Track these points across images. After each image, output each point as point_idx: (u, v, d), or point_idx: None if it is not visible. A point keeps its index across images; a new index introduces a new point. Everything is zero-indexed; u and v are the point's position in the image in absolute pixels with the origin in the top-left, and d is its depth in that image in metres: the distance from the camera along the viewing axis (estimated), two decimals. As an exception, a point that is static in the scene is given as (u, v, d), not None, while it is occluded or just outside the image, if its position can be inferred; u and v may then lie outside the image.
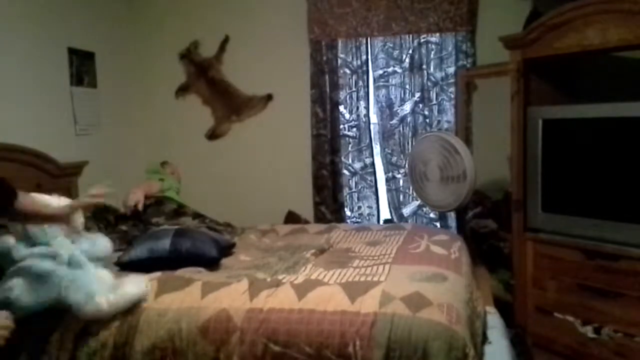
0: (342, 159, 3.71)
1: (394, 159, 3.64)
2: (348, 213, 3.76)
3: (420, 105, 3.53)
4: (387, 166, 3.66)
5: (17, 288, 1.75)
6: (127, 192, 2.97)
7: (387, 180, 3.68)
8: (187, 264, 2.22)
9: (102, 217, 2.85)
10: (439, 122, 3.52)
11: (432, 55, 3.50)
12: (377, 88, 3.61)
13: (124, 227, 2.84)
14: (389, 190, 3.68)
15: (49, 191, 2.85)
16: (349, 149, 3.71)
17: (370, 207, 3.76)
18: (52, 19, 3.12)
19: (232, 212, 3.49)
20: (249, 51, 3.80)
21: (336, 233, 2.84)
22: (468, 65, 3.36)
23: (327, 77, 3.62)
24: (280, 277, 2.03)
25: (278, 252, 2.49)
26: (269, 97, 3.83)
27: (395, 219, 3.65)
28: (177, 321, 1.79)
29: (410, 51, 3.52)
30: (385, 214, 3.74)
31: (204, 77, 3.91)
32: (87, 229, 2.31)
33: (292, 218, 3.69)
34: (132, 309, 1.84)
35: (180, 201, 3.19)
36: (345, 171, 3.73)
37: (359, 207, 3.78)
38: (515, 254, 2.64)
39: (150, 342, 1.77)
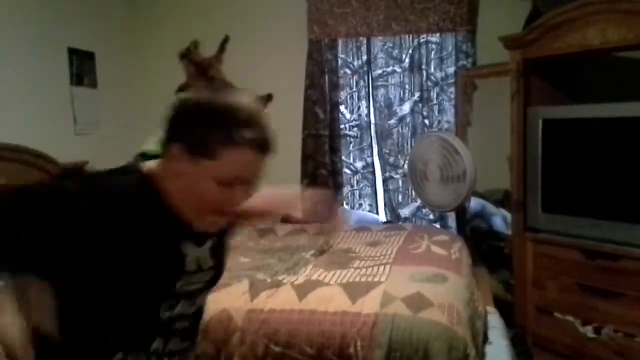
0: (343, 157, 3.71)
1: (392, 159, 3.64)
2: (348, 212, 3.77)
3: (420, 105, 3.53)
4: (385, 166, 3.66)
5: None
6: None
7: (384, 180, 3.68)
8: None
9: None
10: (439, 122, 3.51)
11: (432, 55, 3.50)
12: (375, 88, 3.61)
13: None
14: (385, 191, 3.68)
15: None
16: (351, 148, 3.72)
17: (370, 205, 3.76)
18: (52, 19, 3.12)
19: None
20: (249, 51, 3.79)
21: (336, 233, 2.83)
22: (468, 65, 3.36)
23: (327, 77, 3.62)
24: (280, 277, 2.03)
25: (277, 254, 2.49)
26: (269, 97, 3.83)
27: (392, 221, 3.64)
28: (177, 322, 1.79)
29: (410, 51, 3.52)
30: (382, 215, 3.74)
31: (204, 77, 3.90)
32: None
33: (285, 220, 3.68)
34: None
35: None
36: (346, 170, 3.73)
37: (360, 205, 3.78)
38: (515, 254, 2.64)
39: (151, 343, 1.77)
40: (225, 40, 3.85)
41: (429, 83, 3.50)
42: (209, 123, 0.94)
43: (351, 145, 3.72)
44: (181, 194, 0.98)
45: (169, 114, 0.98)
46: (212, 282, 1.16)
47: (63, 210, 0.91)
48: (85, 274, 0.92)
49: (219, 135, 0.93)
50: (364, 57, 3.60)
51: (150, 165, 1.03)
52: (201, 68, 3.90)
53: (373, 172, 3.71)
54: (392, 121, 3.60)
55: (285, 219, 1.59)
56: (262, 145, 0.98)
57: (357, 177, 3.74)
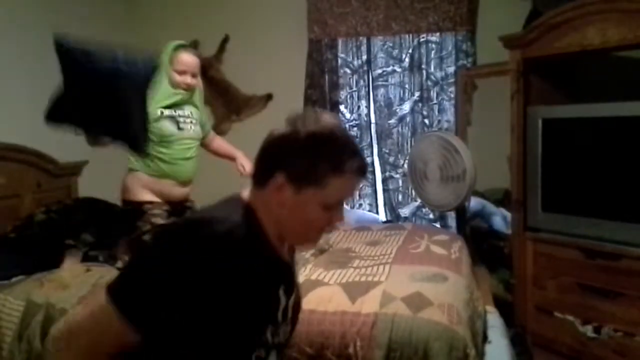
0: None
1: (392, 158, 3.64)
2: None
3: (420, 105, 3.53)
4: (384, 166, 3.66)
5: None
6: None
7: (384, 180, 3.68)
8: None
9: None
10: (439, 121, 3.52)
11: (432, 55, 3.50)
12: (375, 87, 3.61)
13: None
14: (385, 191, 3.68)
15: (48, 190, 2.88)
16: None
17: (370, 204, 3.77)
18: (52, 19, 3.11)
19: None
20: (249, 51, 3.80)
21: (336, 233, 2.83)
22: (468, 65, 3.36)
23: (326, 76, 3.62)
24: (280, 277, 2.03)
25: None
26: (268, 97, 3.84)
27: (392, 220, 3.64)
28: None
29: (410, 50, 3.52)
30: (382, 214, 3.74)
31: (204, 76, 3.90)
32: None
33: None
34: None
35: None
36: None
37: (360, 205, 3.78)
38: (515, 254, 2.64)
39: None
40: (225, 40, 3.85)
41: (429, 83, 3.50)
42: (315, 154, 0.98)
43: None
44: (286, 222, 1.01)
45: (266, 145, 1.01)
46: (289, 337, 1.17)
47: (188, 285, 0.89)
48: (187, 322, 0.91)
49: (327, 165, 0.97)
50: (364, 57, 3.60)
51: (247, 194, 1.05)
52: (201, 68, 3.89)
53: (373, 172, 3.71)
54: (392, 121, 3.60)
55: None
56: (364, 171, 1.05)
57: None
